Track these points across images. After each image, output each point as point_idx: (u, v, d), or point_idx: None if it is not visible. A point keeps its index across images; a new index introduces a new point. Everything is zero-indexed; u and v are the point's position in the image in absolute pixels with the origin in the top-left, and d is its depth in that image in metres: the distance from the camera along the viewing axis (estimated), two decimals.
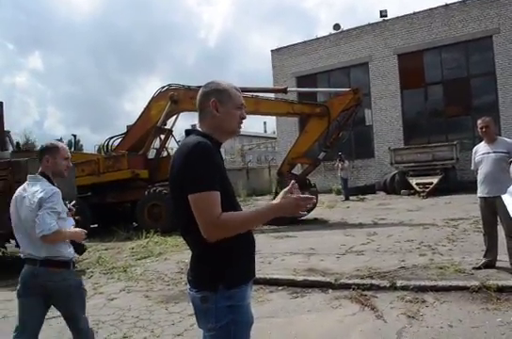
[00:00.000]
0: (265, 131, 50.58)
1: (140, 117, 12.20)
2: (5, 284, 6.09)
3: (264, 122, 51.51)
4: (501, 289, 4.25)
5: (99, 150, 15.63)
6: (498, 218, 4.94)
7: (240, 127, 1.97)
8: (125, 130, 13.03)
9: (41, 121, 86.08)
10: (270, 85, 20.80)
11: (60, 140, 17.05)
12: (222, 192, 1.72)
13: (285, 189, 1.81)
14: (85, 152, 19.17)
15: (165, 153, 12.65)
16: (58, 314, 4.75)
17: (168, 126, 12.31)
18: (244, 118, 1.95)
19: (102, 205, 11.69)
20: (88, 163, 11.74)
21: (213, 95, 1.88)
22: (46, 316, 4.73)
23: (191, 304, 1.89)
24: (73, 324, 3.05)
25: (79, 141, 32.30)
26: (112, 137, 12.68)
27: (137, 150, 12.04)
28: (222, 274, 1.77)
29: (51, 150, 2.95)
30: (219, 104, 1.86)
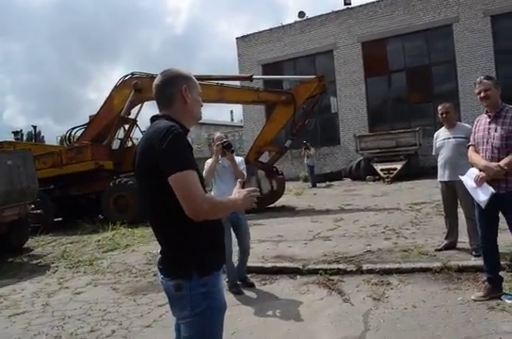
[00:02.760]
0: (232, 120, 50.25)
1: (103, 106, 11.88)
2: None
3: (231, 111, 51.07)
4: (461, 269, 4.42)
5: (61, 141, 15.16)
6: (458, 201, 5.11)
7: (201, 113, 2.03)
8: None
9: (0, 111, 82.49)
10: (236, 73, 20.64)
11: (20, 132, 16.45)
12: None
13: (236, 187, 1.96)
14: (47, 143, 18.55)
15: (129, 144, 12.40)
16: (21, 311, 4.67)
17: (132, 116, 12.06)
18: (202, 105, 2.01)
19: (65, 198, 11.40)
20: (50, 155, 11.40)
21: (182, 82, 1.89)
22: (9, 314, 4.65)
23: (161, 294, 1.89)
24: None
25: (40, 133, 31.27)
26: (74, 128, 12.32)
27: (101, 140, 11.76)
28: (195, 261, 1.78)
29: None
30: (189, 91, 1.90)
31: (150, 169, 1.76)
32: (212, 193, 4.72)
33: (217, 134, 4.92)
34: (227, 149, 4.59)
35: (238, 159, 4.73)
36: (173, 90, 1.88)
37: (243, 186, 1.96)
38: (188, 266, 1.77)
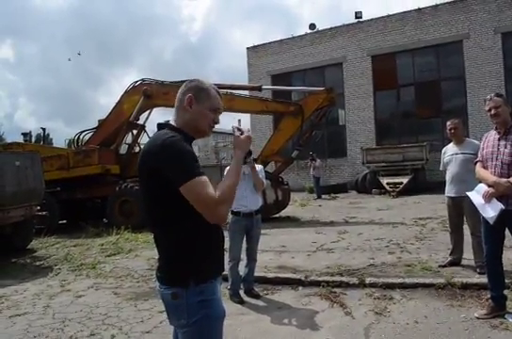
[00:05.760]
0: None
1: (112, 111, 11.97)
2: None
3: (239, 120, 51.29)
4: (465, 286, 4.38)
5: (69, 144, 15.26)
6: (464, 218, 5.08)
7: (210, 130, 1.95)
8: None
9: (12, 113, 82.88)
10: (245, 82, 20.78)
11: (29, 134, 16.61)
12: None
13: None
14: (55, 146, 18.69)
15: (137, 149, 12.46)
16: (22, 312, 4.67)
17: (140, 121, 12.14)
18: (217, 122, 1.95)
19: (71, 201, 11.45)
20: (58, 157, 11.46)
21: (191, 91, 1.88)
22: (10, 314, 4.65)
23: (161, 301, 1.88)
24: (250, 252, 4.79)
25: (49, 135, 31.54)
26: (83, 132, 12.41)
27: (109, 145, 11.84)
28: (192, 270, 1.77)
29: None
30: (195, 101, 1.86)
31: (148, 177, 1.79)
32: None
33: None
34: (248, 156, 4.59)
35: (258, 167, 4.72)
36: (181, 99, 1.90)
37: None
38: (185, 274, 1.76)
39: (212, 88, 1.92)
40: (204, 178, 1.70)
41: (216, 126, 2.02)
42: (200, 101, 1.87)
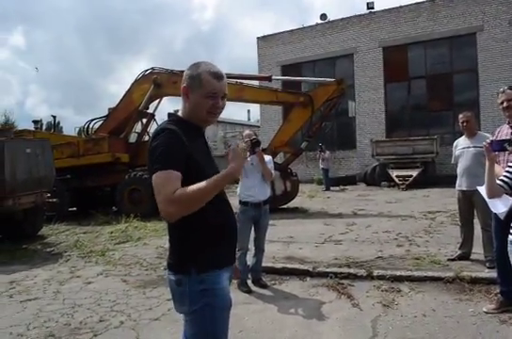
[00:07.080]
0: (249, 119, 50.20)
1: (122, 100, 11.99)
2: None
3: (248, 110, 51.05)
4: (474, 280, 4.36)
5: (79, 132, 15.34)
6: (475, 211, 5.05)
7: (212, 117, 1.86)
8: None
9: (23, 100, 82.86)
10: (255, 72, 20.67)
11: (40, 121, 16.73)
12: (192, 177, 1.69)
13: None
14: (65, 134, 18.81)
15: (146, 138, 12.49)
16: (33, 297, 4.74)
17: (150, 110, 12.15)
18: (218, 107, 1.84)
19: (81, 189, 11.55)
20: (68, 145, 11.55)
21: (186, 81, 1.85)
22: (21, 299, 4.72)
23: (169, 289, 1.90)
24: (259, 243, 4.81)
25: (59, 123, 31.69)
26: (93, 120, 12.46)
27: (119, 133, 11.88)
28: (194, 258, 1.78)
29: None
30: (190, 91, 1.83)
31: (149, 166, 1.81)
32: (237, 189, 4.78)
33: (247, 131, 4.87)
34: (256, 146, 4.55)
35: (267, 158, 4.72)
36: (181, 89, 1.87)
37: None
38: (187, 262, 1.78)
39: (205, 73, 1.79)
40: (168, 172, 1.66)
41: (226, 116, 1.98)
42: (194, 90, 1.81)
